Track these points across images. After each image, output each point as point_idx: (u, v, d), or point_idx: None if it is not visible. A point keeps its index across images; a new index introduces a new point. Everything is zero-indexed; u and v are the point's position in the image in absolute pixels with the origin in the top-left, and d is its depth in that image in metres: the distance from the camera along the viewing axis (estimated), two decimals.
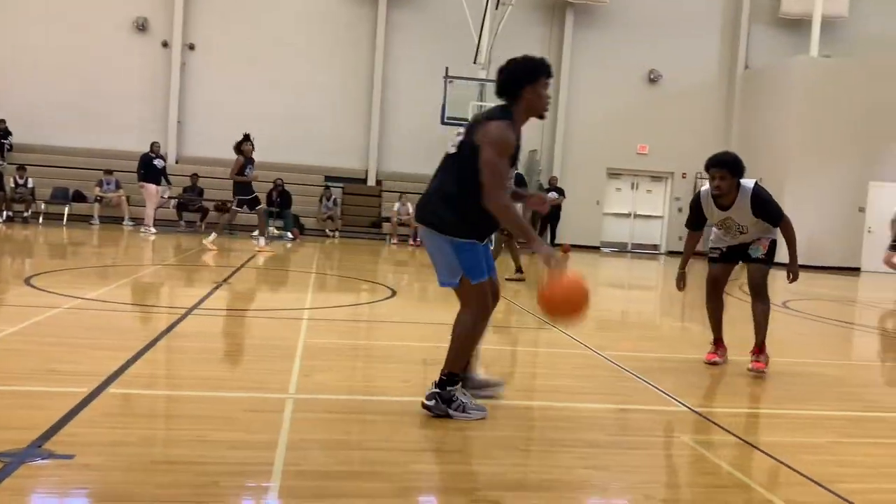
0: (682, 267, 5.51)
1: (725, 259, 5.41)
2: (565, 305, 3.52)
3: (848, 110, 17.87)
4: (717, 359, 5.42)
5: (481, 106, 17.34)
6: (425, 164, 19.43)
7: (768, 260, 5.18)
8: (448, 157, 3.74)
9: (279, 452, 2.93)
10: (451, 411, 3.52)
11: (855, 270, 17.83)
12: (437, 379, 3.58)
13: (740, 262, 5.41)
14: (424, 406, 3.54)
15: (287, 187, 17.76)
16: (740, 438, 3.51)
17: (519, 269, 10.42)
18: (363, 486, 2.68)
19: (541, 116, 3.78)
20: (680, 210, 20.37)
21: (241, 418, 3.40)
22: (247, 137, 12.32)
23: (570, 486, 2.84)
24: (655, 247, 20.68)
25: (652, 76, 20.09)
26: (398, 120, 19.60)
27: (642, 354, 5.82)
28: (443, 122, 17.64)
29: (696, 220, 5.33)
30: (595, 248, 20.10)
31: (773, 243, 5.19)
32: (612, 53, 19.88)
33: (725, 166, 4.96)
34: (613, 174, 20.58)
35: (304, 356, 4.73)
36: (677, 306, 9.84)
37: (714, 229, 5.37)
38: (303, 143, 19.05)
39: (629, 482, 2.96)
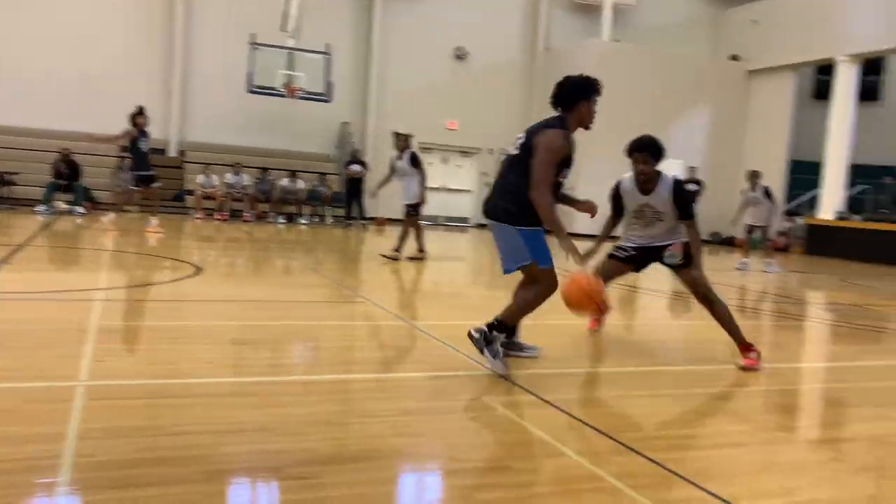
0: (595, 245, 5.39)
1: (628, 261, 5.32)
2: (577, 303, 4.16)
3: (637, 92, 19.44)
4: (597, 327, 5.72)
5: (290, 75, 16.90)
6: (232, 134, 18.72)
7: (689, 261, 5.03)
8: (510, 157, 4.34)
9: (69, 444, 2.72)
10: (486, 349, 4.07)
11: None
12: (489, 321, 4.14)
13: (639, 270, 5.38)
14: (470, 335, 4.13)
15: (77, 158, 16.34)
16: (538, 396, 3.75)
17: (421, 249, 10.53)
18: (169, 472, 2.56)
19: (587, 128, 4.52)
20: (487, 185, 21.19)
21: (23, 410, 3.12)
22: (141, 111, 11.38)
23: (383, 456, 2.89)
24: (465, 220, 21.36)
25: (459, 53, 20.58)
26: (201, 87, 18.62)
27: (453, 323, 6.01)
28: (250, 91, 17.03)
29: (616, 209, 5.38)
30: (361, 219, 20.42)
31: (687, 245, 5.05)
32: (421, 28, 20.12)
33: (647, 149, 5.11)
34: (425, 148, 20.91)
35: (98, 340, 4.40)
36: (486, 276, 10.27)
37: (626, 226, 5.34)
38: (93, 110, 17.56)
39: (438, 446, 3.07)
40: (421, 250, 10.43)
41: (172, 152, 18.67)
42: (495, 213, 4.28)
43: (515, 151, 4.28)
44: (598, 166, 19.20)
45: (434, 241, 16.42)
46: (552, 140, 4.15)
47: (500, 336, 4.13)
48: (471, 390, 3.96)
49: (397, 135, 10.54)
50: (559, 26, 21.48)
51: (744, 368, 4.75)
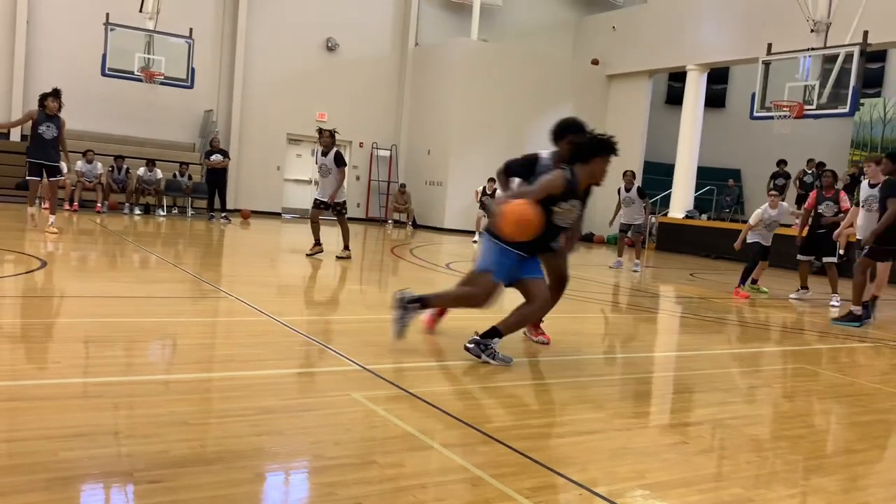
0: None
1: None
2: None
3: (501, 89, 19.97)
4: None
5: (148, 59, 16.07)
6: (84, 120, 17.54)
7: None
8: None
9: None
10: (484, 355, 4.44)
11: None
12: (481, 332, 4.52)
13: None
14: (465, 348, 4.51)
15: None
16: (406, 391, 3.75)
17: (346, 248, 10.33)
18: (6, 481, 2.35)
19: (597, 184, 4.78)
20: (358, 178, 21.04)
21: None
22: (56, 93, 10.34)
23: (242, 456, 2.79)
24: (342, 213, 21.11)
25: (330, 44, 20.29)
26: (49, 68, 17.31)
27: (319, 318, 5.92)
28: (104, 74, 16.04)
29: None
30: (276, 215, 19.93)
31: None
32: (290, 17, 19.66)
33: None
34: (294, 140, 20.50)
35: None
36: (355, 271, 10.18)
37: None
38: None
39: (302, 444, 3.00)
40: (317, 243, 10.34)
41: (15, 137, 17.27)
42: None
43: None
44: (466, 159, 19.62)
45: (304, 235, 16.14)
46: (551, 178, 4.57)
47: (496, 341, 4.55)
48: (336, 386, 3.91)
49: (322, 131, 10.30)
50: (430, 23, 21.63)
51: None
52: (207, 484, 2.49)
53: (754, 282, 10.50)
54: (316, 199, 10.44)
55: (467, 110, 19.89)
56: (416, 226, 19.81)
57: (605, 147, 4.61)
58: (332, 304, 7.21)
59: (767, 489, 2.93)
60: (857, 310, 7.85)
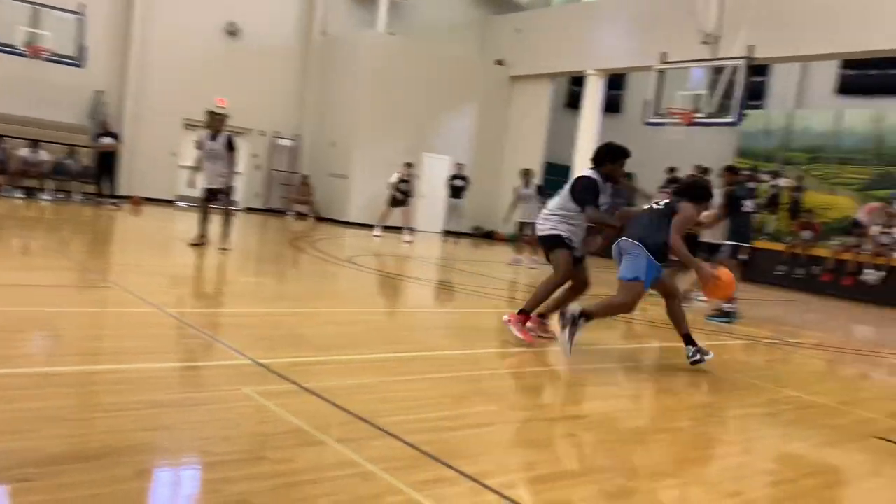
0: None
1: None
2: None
3: (407, 85, 19.93)
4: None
5: (33, 33, 15.15)
6: None
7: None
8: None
9: None
10: (569, 329, 5.18)
11: (409, 230, 20.06)
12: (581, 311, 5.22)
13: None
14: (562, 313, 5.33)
15: None
16: (299, 385, 3.70)
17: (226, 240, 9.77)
18: None
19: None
20: (258, 167, 20.55)
21: None
22: None
23: (125, 452, 2.68)
24: (233, 203, 20.53)
25: (231, 29, 19.69)
26: None
27: (212, 310, 5.76)
28: None
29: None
30: (169, 202, 19.19)
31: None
32: None
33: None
34: (191, 125, 19.78)
35: None
36: (252, 262, 9.96)
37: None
38: None
39: (189, 440, 2.91)
40: (202, 236, 9.76)
41: None
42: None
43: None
44: (371, 153, 19.50)
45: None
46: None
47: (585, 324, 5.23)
48: (227, 381, 3.81)
49: (213, 114, 9.72)
50: (337, 13, 21.32)
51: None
52: (86, 482, 2.38)
53: None
54: (206, 189, 9.87)
55: (373, 103, 19.75)
56: (318, 218, 19.54)
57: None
58: (225, 296, 7.02)
59: (650, 480, 3.06)
60: (728, 307, 8.37)
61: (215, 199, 9.89)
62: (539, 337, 5.76)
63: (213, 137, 9.70)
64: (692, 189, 5.66)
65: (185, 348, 4.40)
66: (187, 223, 15.21)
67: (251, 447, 2.87)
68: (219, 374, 3.94)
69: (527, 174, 13.23)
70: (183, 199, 19.63)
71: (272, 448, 2.89)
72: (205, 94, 19.36)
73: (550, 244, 5.81)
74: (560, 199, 5.87)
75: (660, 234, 5.28)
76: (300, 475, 2.64)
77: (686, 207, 5.40)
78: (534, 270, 12.59)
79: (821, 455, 3.81)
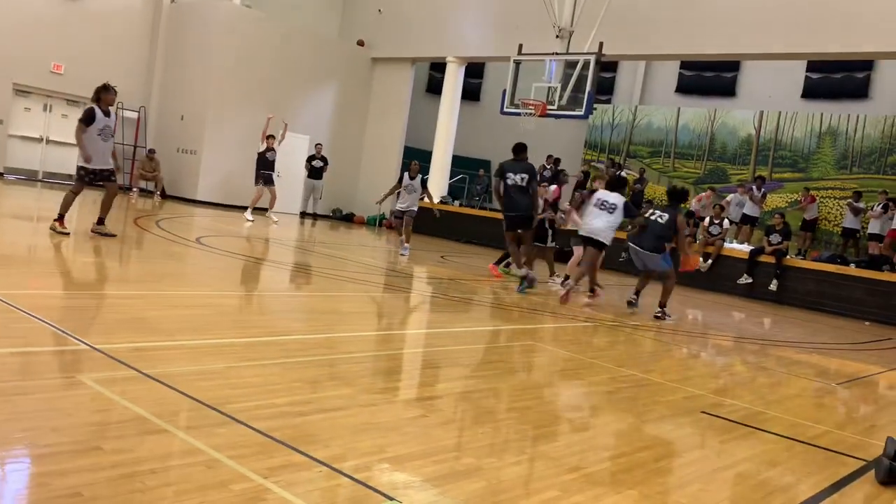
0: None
1: None
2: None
3: (263, 60, 19.27)
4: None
5: None
6: None
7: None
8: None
9: None
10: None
11: (263, 210, 19.51)
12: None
13: None
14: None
15: None
16: (141, 372, 3.50)
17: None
18: None
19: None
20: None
21: None
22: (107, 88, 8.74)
23: None
24: (71, 177, 19.04)
25: None
26: None
27: (44, 292, 5.34)
28: None
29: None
30: None
31: None
32: None
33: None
34: (22, 92, 18.19)
35: None
36: (93, 242, 9.30)
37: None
38: None
39: (12, 431, 2.68)
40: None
41: None
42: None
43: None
44: (223, 129, 18.73)
45: (32, 199, 14.44)
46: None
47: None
48: (60, 367, 3.55)
49: (109, 87, 8.80)
50: None
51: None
52: None
53: (508, 265, 11.24)
54: (101, 170, 8.90)
55: (227, 78, 18.93)
56: (164, 196, 18.54)
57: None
58: (62, 277, 6.53)
59: (498, 458, 3.16)
60: (523, 271, 9.61)
61: (108, 179, 8.96)
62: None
63: (108, 114, 8.87)
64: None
65: (12, 333, 4.04)
66: (17, 198, 14.01)
67: (85, 437, 2.69)
68: (51, 361, 3.66)
69: (415, 167, 13.30)
70: (12, 171, 18.06)
71: (109, 438, 2.72)
72: (39, 59, 17.92)
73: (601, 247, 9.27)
74: (615, 217, 9.13)
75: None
76: (140, 465, 2.50)
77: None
78: (403, 256, 12.59)
79: (654, 429, 4.08)
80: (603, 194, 9.35)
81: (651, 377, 5.45)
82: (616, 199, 9.22)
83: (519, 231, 9.62)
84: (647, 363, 6.31)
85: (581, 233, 9.42)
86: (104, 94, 8.76)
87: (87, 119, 8.66)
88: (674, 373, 5.98)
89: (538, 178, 10.65)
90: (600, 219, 9.09)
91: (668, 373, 5.90)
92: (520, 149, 9.69)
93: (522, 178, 9.32)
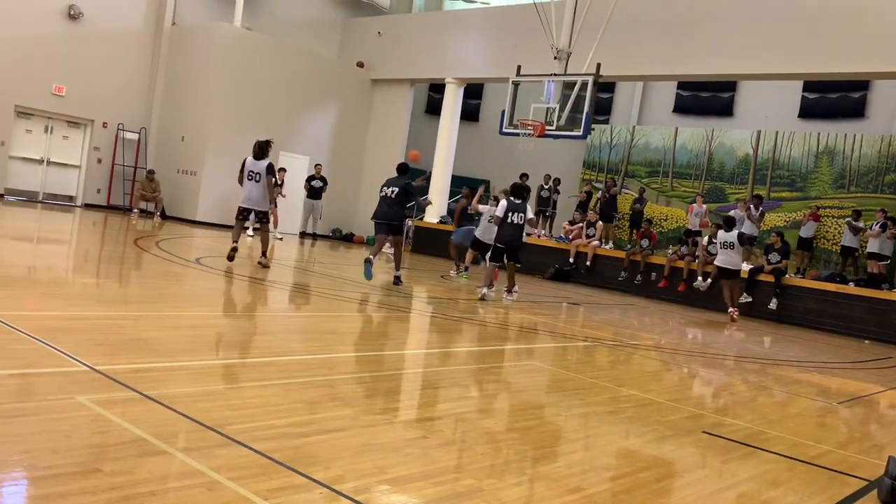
0: None
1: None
2: None
3: (263, 82, 19.41)
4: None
5: None
6: None
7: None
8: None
9: None
10: None
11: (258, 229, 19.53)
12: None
13: None
14: None
15: None
16: (141, 393, 3.50)
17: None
18: None
19: None
20: (100, 161, 19.32)
21: None
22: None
23: None
24: (71, 198, 19.15)
25: (72, 12, 18.39)
26: None
27: (45, 313, 5.34)
28: None
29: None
30: None
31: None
32: None
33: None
34: (23, 114, 18.29)
35: None
36: (92, 263, 9.32)
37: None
38: None
39: (11, 453, 2.67)
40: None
41: None
42: None
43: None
44: (224, 150, 18.77)
45: (32, 220, 14.47)
46: None
47: None
48: (59, 389, 3.54)
49: None
50: (189, 3, 20.43)
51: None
52: None
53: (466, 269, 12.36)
54: None
55: (227, 99, 19.04)
56: (164, 216, 18.57)
57: None
58: (61, 297, 6.53)
59: (498, 479, 3.15)
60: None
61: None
62: None
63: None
64: None
65: (12, 354, 4.04)
66: (18, 219, 14.04)
67: (84, 459, 2.68)
68: (51, 382, 3.65)
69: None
70: (13, 192, 18.11)
71: (109, 460, 2.71)
72: (41, 81, 18.04)
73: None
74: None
75: None
76: (139, 487, 2.49)
77: None
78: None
79: (655, 449, 4.06)
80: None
81: (651, 397, 5.44)
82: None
83: (388, 235, 10.57)
84: (648, 383, 6.30)
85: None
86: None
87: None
88: (674, 392, 5.97)
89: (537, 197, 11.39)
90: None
91: (669, 392, 5.89)
92: (401, 169, 10.63)
93: (393, 192, 10.30)
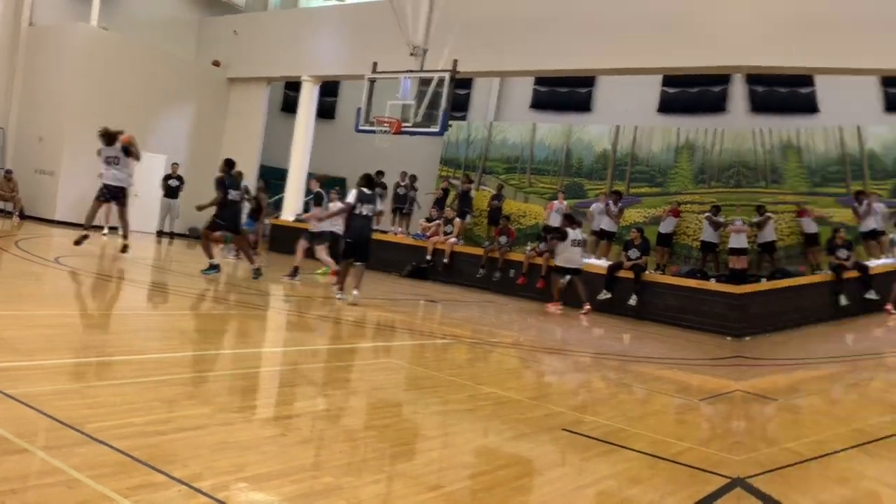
0: None
1: None
2: None
3: (121, 82, 18.67)
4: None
5: None
6: None
7: None
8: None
9: None
10: None
11: (114, 229, 18.50)
12: None
13: None
14: None
15: None
16: (0, 392, 3.37)
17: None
18: None
19: None
20: None
21: None
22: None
23: None
24: None
25: None
26: None
27: None
28: None
29: None
30: None
31: None
32: None
33: None
34: None
35: None
36: None
37: None
38: None
39: None
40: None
41: None
42: None
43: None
44: (82, 149, 17.66)
45: None
46: None
47: None
48: None
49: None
50: (47, 3, 19.22)
51: None
52: None
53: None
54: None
55: (85, 99, 18.12)
56: (23, 216, 17.46)
57: None
58: None
59: (356, 477, 3.20)
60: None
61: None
62: None
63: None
64: None
65: None
66: None
67: None
68: None
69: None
70: None
71: None
72: None
73: None
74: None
75: None
76: (0, 485, 2.43)
77: None
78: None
79: (514, 447, 4.12)
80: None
81: (510, 394, 5.45)
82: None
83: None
84: (506, 380, 6.32)
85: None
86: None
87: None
88: (533, 390, 6.03)
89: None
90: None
91: (528, 390, 5.94)
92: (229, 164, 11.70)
93: (237, 193, 11.28)
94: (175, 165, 18.54)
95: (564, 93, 20.74)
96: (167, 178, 18.31)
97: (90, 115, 18.14)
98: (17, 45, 18.87)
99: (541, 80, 21.08)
